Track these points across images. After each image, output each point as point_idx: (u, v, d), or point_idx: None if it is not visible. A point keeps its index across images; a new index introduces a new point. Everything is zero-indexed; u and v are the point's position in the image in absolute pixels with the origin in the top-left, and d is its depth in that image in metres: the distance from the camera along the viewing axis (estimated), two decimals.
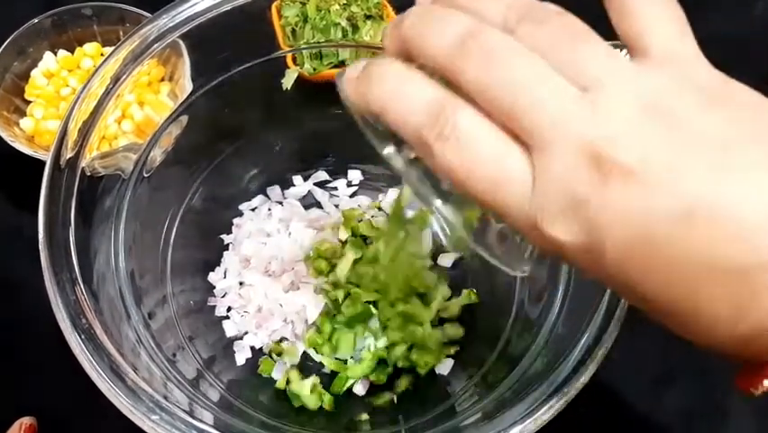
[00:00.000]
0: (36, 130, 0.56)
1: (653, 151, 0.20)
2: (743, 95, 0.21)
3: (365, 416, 0.46)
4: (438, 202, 0.24)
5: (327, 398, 0.47)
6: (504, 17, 0.22)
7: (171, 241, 0.49)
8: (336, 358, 0.49)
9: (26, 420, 0.45)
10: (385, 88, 0.23)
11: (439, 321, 0.50)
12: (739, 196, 0.19)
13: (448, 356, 0.49)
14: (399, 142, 0.24)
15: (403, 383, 0.47)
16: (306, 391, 0.46)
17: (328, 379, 0.48)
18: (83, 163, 0.39)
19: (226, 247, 0.53)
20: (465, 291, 0.51)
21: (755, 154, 0.20)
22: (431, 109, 0.22)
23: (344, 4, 0.50)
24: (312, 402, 0.46)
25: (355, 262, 0.50)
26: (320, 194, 0.56)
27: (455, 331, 0.49)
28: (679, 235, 0.20)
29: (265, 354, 0.50)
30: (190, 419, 0.33)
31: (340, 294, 0.49)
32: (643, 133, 0.20)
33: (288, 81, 0.48)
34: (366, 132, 0.25)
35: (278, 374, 0.48)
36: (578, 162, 0.20)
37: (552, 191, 0.21)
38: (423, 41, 0.23)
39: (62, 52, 0.58)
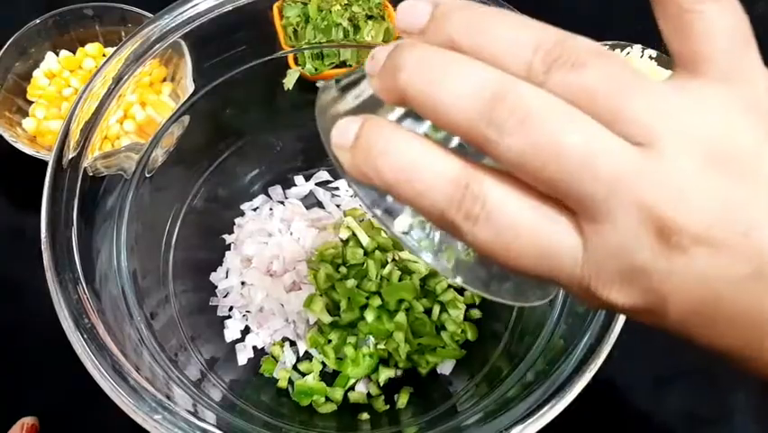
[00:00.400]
0: (38, 130, 0.56)
1: (719, 211, 0.18)
2: None
3: (366, 415, 0.46)
4: (459, 279, 0.22)
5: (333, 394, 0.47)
6: (528, 62, 0.19)
7: (173, 241, 0.49)
8: (338, 358, 0.49)
9: (28, 420, 0.45)
10: (392, 165, 0.19)
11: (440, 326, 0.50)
12: None
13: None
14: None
15: (403, 398, 0.47)
16: (312, 380, 0.47)
17: (330, 378, 0.48)
18: (85, 163, 0.39)
19: (228, 247, 0.53)
20: (467, 292, 0.51)
21: None
22: (452, 185, 0.19)
23: (346, 4, 0.50)
24: (319, 392, 0.47)
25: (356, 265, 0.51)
26: (322, 194, 0.56)
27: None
28: (748, 292, 0.19)
29: (267, 354, 0.50)
30: (193, 419, 0.33)
31: (343, 302, 0.49)
32: (706, 191, 0.18)
33: (289, 81, 0.48)
34: (370, 209, 0.22)
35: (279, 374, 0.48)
36: (637, 230, 0.18)
37: (607, 259, 0.19)
38: (434, 103, 0.19)
39: (64, 53, 0.58)
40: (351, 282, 0.49)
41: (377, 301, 0.48)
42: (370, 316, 0.48)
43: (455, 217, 0.19)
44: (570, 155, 0.18)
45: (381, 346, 0.48)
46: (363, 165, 0.20)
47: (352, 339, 0.49)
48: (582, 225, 0.19)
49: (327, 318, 0.48)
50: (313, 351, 0.49)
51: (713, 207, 0.18)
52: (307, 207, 0.55)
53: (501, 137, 0.18)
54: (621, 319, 0.35)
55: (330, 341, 0.49)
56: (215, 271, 0.52)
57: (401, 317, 0.48)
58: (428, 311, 0.50)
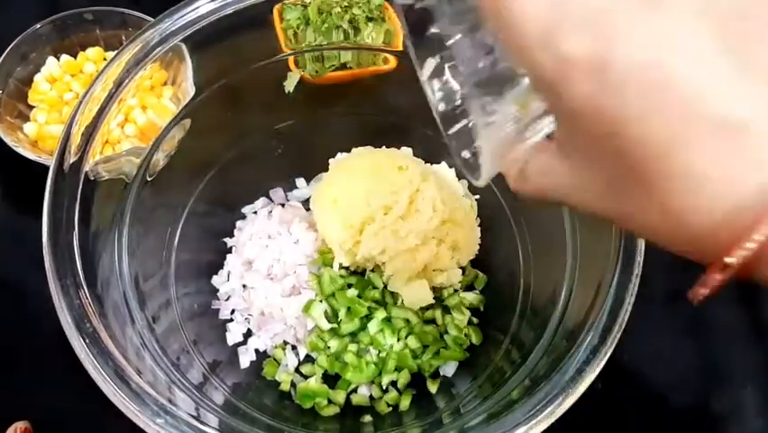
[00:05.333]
0: (39, 135, 0.56)
1: None
2: None
3: (368, 418, 0.46)
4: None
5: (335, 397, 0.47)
6: None
7: (175, 244, 0.49)
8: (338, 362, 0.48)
9: (20, 425, 0.45)
10: None
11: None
12: None
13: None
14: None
15: (405, 400, 0.47)
16: (314, 383, 0.47)
17: (333, 381, 0.48)
18: (86, 167, 0.39)
19: (229, 250, 0.53)
20: (472, 296, 0.51)
21: None
22: None
23: (346, 6, 0.50)
24: (322, 395, 0.46)
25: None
26: None
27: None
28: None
29: (269, 357, 0.50)
30: (195, 423, 0.33)
31: (342, 310, 0.48)
32: None
33: (290, 84, 0.48)
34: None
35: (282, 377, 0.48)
36: None
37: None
38: None
39: (65, 57, 0.58)
40: (351, 292, 0.49)
41: (381, 313, 0.48)
42: (373, 327, 0.48)
43: None
44: None
45: (383, 355, 0.48)
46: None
47: (353, 347, 0.48)
48: None
49: (326, 325, 0.48)
50: (314, 354, 0.49)
51: None
52: (308, 210, 0.55)
53: None
54: (624, 320, 0.35)
55: (329, 347, 0.48)
56: (217, 274, 0.52)
57: (408, 337, 0.48)
58: (432, 319, 0.50)
